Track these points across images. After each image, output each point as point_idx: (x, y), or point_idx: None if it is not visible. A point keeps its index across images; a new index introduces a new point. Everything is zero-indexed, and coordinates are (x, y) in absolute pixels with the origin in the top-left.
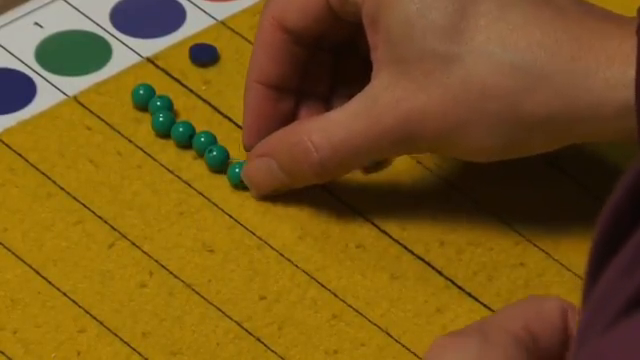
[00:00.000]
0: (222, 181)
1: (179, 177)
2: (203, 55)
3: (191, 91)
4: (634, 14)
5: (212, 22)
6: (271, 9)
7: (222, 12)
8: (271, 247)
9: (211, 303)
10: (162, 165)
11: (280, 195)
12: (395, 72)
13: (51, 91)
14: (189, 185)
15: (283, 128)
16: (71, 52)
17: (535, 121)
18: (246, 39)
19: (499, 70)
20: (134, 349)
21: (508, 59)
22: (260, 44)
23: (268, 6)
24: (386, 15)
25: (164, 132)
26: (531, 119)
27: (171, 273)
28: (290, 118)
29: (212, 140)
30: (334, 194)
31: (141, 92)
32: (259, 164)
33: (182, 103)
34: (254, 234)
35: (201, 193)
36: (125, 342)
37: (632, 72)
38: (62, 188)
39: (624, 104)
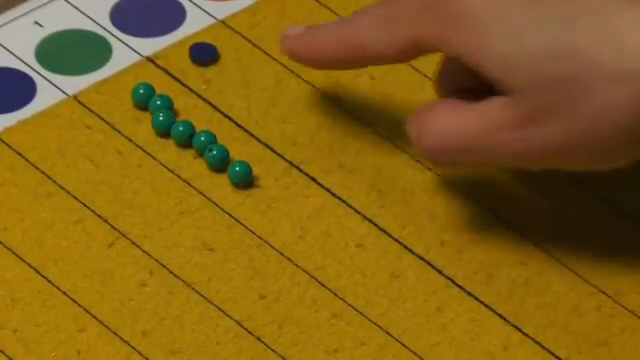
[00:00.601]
0: (222, 180)
1: (179, 176)
2: (203, 54)
3: (191, 90)
4: None
5: (212, 21)
6: (361, 38)
7: (222, 11)
8: (271, 246)
9: (211, 302)
10: (162, 164)
11: (280, 194)
12: (510, 98)
13: (51, 90)
14: (189, 184)
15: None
16: (71, 51)
17: None
18: (246, 38)
19: (614, 80)
20: (134, 348)
21: (620, 67)
22: (338, 50)
23: (355, 31)
24: (485, 57)
25: (164, 131)
26: None
27: (171, 272)
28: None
29: (212, 139)
30: (334, 193)
31: (141, 91)
32: None
33: (182, 102)
34: (254, 233)
35: (201, 192)
36: (125, 341)
37: None
38: (62, 187)
39: None
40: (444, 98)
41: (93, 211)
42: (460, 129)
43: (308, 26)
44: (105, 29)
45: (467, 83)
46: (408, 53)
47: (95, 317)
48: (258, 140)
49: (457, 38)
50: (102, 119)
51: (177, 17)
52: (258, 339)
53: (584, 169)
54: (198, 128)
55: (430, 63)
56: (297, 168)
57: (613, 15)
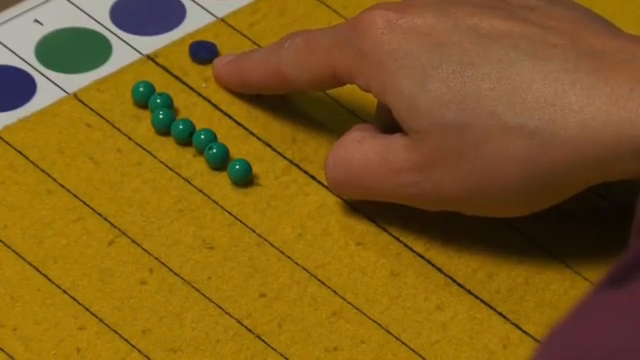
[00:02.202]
0: (222, 178)
1: (179, 174)
2: (203, 52)
3: (191, 88)
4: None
5: (212, 19)
6: (282, 59)
7: (222, 9)
8: (271, 244)
9: (211, 300)
10: (162, 162)
11: (280, 193)
12: (411, 139)
13: (51, 88)
14: (189, 182)
15: None
16: (71, 49)
17: (552, 177)
18: (246, 36)
19: (510, 132)
20: (134, 346)
21: (518, 121)
22: (259, 70)
23: (278, 57)
24: (392, 97)
25: (164, 129)
26: (548, 176)
27: (171, 270)
28: None
29: (212, 137)
30: (334, 192)
31: (141, 89)
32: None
33: (182, 100)
34: (254, 231)
35: (201, 190)
36: (125, 339)
37: None
38: (62, 185)
39: (635, 149)
40: (359, 127)
41: (93, 209)
42: (362, 165)
43: (239, 54)
44: (105, 27)
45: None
46: (325, 82)
47: (95, 315)
48: (258, 138)
49: (369, 73)
50: (102, 117)
51: (177, 15)
52: (258, 337)
53: (480, 215)
54: (198, 126)
55: None
56: (297, 166)
57: (515, 67)
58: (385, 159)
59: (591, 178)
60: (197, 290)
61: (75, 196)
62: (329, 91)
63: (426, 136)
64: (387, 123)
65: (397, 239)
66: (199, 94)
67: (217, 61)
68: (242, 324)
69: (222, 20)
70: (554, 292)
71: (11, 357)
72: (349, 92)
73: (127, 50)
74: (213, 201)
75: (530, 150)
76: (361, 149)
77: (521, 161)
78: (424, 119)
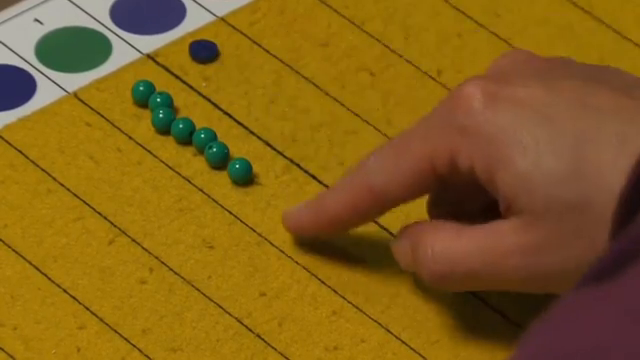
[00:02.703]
0: (222, 177)
1: (179, 173)
2: (203, 51)
3: (191, 88)
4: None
5: (212, 18)
6: (369, 174)
7: (222, 8)
8: (271, 243)
9: (211, 299)
10: (162, 161)
11: (281, 192)
12: (523, 220)
13: (51, 87)
14: (189, 181)
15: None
16: (71, 49)
17: None
18: (246, 35)
19: None
20: (134, 345)
21: None
22: (346, 199)
23: (366, 169)
24: (501, 174)
25: (164, 129)
26: None
27: (171, 269)
28: None
29: (212, 137)
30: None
31: (141, 89)
32: None
33: (182, 100)
34: (254, 230)
35: (201, 189)
36: (125, 338)
37: None
38: (62, 184)
39: None
40: (442, 221)
41: (93, 208)
42: (467, 254)
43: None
44: (105, 26)
45: (462, 207)
46: (424, 179)
47: (95, 314)
48: (258, 137)
49: (474, 149)
50: (102, 116)
51: (177, 14)
52: (258, 336)
53: None
54: (198, 125)
55: (429, 59)
56: (297, 165)
57: (631, 140)
58: (491, 246)
59: None
60: (197, 289)
61: (75, 195)
62: (328, 89)
63: (541, 216)
64: (444, 213)
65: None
66: (199, 93)
67: (289, 213)
68: (242, 323)
69: (222, 19)
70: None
71: (11, 356)
72: (349, 91)
73: (127, 49)
74: (213, 200)
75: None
76: (461, 239)
77: None
78: (539, 198)
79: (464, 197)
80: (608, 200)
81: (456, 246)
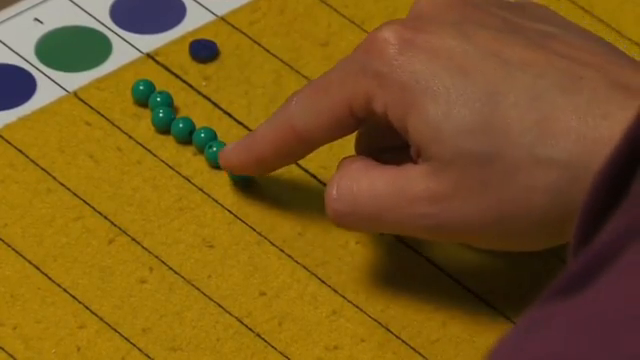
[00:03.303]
0: (222, 177)
1: (179, 173)
2: (203, 51)
3: (191, 87)
4: None
5: (212, 18)
6: (291, 114)
7: (222, 8)
8: (271, 243)
9: (211, 299)
10: (162, 161)
11: (280, 191)
12: (431, 167)
13: (51, 87)
14: (189, 181)
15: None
16: (71, 48)
17: (576, 207)
18: (246, 35)
19: (540, 164)
20: (134, 345)
21: (548, 153)
22: (270, 138)
23: (288, 109)
24: (412, 121)
25: (164, 128)
26: (573, 206)
27: (171, 269)
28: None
29: (212, 136)
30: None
31: (141, 88)
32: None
33: (182, 99)
34: (254, 230)
35: (201, 189)
36: (125, 338)
37: None
38: (62, 184)
39: None
40: (360, 157)
41: (93, 208)
42: (371, 196)
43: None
44: (105, 26)
45: (387, 143)
46: (343, 122)
47: (95, 314)
48: None
49: (388, 95)
50: (102, 116)
51: (177, 14)
52: (258, 335)
53: (493, 249)
54: (198, 125)
55: None
56: (297, 164)
57: (543, 97)
58: (398, 189)
59: None
60: (197, 288)
61: (75, 194)
62: None
63: (449, 165)
64: (370, 150)
65: (397, 237)
66: (199, 92)
67: (222, 152)
68: (242, 322)
69: (222, 19)
70: None
71: (11, 356)
72: None
73: (127, 48)
74: (213, 199)
75: (560, 183)
76: (369, 179)
77: (550, 194)
78: (448, 147)
79: (385, 138)
80: (515, 155)
81: (362, 185)
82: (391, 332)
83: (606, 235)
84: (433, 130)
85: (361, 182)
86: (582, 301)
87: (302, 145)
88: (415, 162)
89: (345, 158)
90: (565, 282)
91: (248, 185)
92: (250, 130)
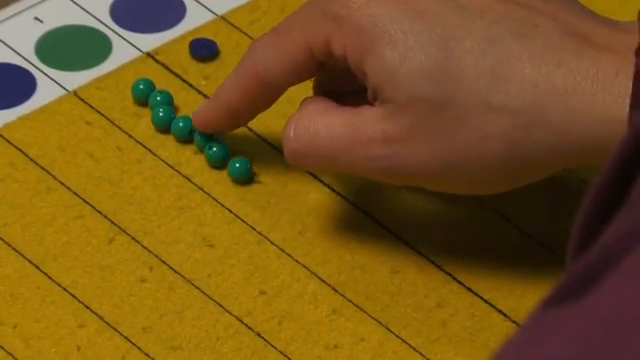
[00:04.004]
0: (222, 176)
1: (179, 172)
2: (203, 50)
3: (191, 86)
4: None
5: (212, 17)
6: (254, 60)
7: (222, 7)
8: (271, 242)
9: (211, 298)
10: (162, 160)
11: (280, 190)
12: (386, 110)
13: (51, 86)
14: (189, 180)
15: None
16: (71, 47)
17: (531, 157)
18: (246, 34)
19: (493, 111)
20: (134, 344)
21: (502, 100)
22: (236, 85)
23: (251, 55)
24: (369, 64)
25: (164, 127)
26: (527, 156)
27: (171, 268)
28: None
29: (213, 136)
30: (334, 189)
31: (141, 87)
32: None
33: (182, 98)
34: (254, 229)
35: (201, 188)
36: (125, 337)
37: (627, 105)
38: (62, 183)
39: (620, 133)
40: (320, 98)
41: (93, 207)
42: (327, 136)
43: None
44: (105, 25)
45: (346, 86)
46: (304, 65)
47: (95, 313)
48: (258, 136)
49: (346, 38)
50: (102, 115)
51: (177, 13)
52: (258, 335)
53: (445, 192)
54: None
55: None
56: None
57: (499, 44)
58: (353, 130)
59: (572, 160)
60: (197, 288)
61: (75, 194)
62: None
63: (403, 108)
64: (330, 93)
65: (397, 236)
66: (199, 92)
67: (194, 113)
68: (242, 322)
69: (222, 18)
70: None
71: (11, 355)
72: None
73: (127, 48)
74: (213, 199)
75: (512, 130)
76: (326, 120)
77: (502, 141)
78: (403, 91)
79: (344, 82)
80: (468, 101)
81: (319, 126)
82: (391, 331)
83: (607, 239)
84: (389, 73)
85: (318, 123)
86: (584, 306)
87: (267, 90)
88: (372, 105)
89: (305, 99)
90: (567, 286)
91: (248, 184)
92: (249, 129)
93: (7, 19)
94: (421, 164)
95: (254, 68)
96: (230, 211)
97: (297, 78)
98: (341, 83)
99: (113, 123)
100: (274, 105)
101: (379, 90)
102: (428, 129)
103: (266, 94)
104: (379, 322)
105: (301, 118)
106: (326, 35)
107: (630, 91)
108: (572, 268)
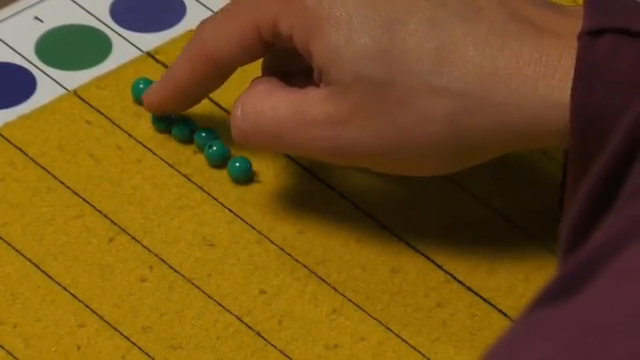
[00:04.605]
0: (222, 175)
1: (179, 171)
2: None
3: None
4: None
5: None
6: (204, 39)
7: (222, 6)
8: (271, 241)
9: (211, 297)
10: (162, 159)
11: (280, 190)
12: (330, 91)
13: (51, 85)
14: (189, 179)
15: None
16: (71, 46)
17: (474, 140)
18: None
19: (436, 92)
20: (134, 343)
21: (444, 82)
22: (186, 65)
23: (200, 35)
24: (315, 45)
25: (164, 126)
26: (470, 139)
27: (171, 267)
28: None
29: (213, 136)
30: (334, 188)
31: (141, 86)
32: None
33: None
34: (254, 228)
35: (201, 187)
36: (125, 336)
37: (569, 90)
38: (62, 182)
39: (564, 123)
40: (268, 78)
41: (93, 206)
42: (273, 117)
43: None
44: (105, 24)
45: (294, 66)
46: (253, 44)
47: (95, 312)
48: None
49: (293, 18)
50: (102, 114)
51: (177, 12)
52: (258, 334)
53: (391, 173)
54: (198, 124)
55: None
56: (297, 163)
57: (443, 26)
58: (299, 111)
59: (516, 143)
60: (197, 287)
61: (75, 193)
62: None
63: (347, 90)
64: (277, 73)
65: (397, 236)
66: None
67: (145, 94)
68: (242, 321)
69: None
70: None
71: (11, 354)
72: None
73: (127, 47)
74: (213, 198)
75: (455, 112)
76: (272, 100)
77: (445, 123)
78: (347, 72)
79: (292, 62)
80: (411, 82)
81: (265, 106)
82: (391, 331)
83: (598, 239)
84: (334, 55)
85: (265, 103)
86: (573, 306)
87: (216, 70)
88: (317, 86)
89: (254, 79)
90: (557, 286)
91: (248, 183)
92: None
93: (7, 18)
94: (364, 145)
95: (204, 48)
96: (230, 210)
97: (246, 58)
98: (290, 63)
99: (113, 122)
100: None
101: (324, 71)
102: (372, 110)
103: (215, 74)
104: (379, 321)
105: (248, 98)
106: (273, 15)
107: (572, 76)
108: (562, 268)
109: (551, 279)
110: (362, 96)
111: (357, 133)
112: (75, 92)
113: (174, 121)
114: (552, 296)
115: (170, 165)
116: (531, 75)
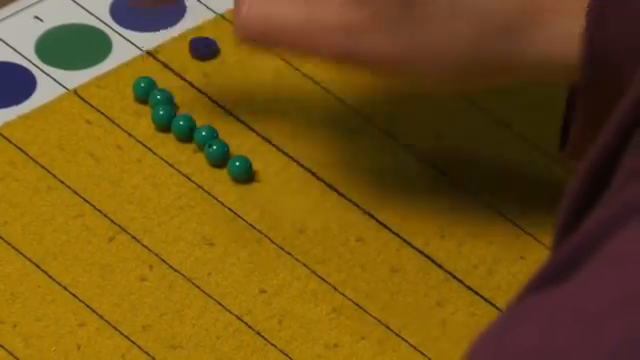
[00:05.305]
0: (222, 175)
1: (179, 171)
2: (203, 48)
3: (191, 85)
4: None
5: (212, 15)
6: None
7: (222, 5)
8: (271, 241)
9: (211, 297)
10: (162, 159)
11: (280, 189)
12: None
13: (51, 85)
14: (189, 179)
15: None
16: (71, 46)
17: (494, 63)
18: None
19: (456, 16)
20: (134, 342)
21: (466, 7)
22: None
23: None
24: None
25: (164, 126)
26: (485, 65)
27: (171, 267)
28: None
29: (213, 134)
30: (334, 188)
31: (141, 85)
32: None
33: (182, 96)
34: (254, 227)
35: (201, 187)
36: (125, 336)
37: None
38: (62, 182)
39: (578, 56)
40: None
41: (93, 205)
42: (288, 19)
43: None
44: (105, 23)
45: None
46: None
47: (95, 311)
48: (258, 134)
49: None
50: (102, 113)
51: (177, 11)
52: (258, 333)
53: (402, 81)
54: (198, 122)
55: None
56: (297, 162)
57: None
58: (312, 18)
59: (529, 73)
60: (197, 286)
61: (75, 192)
62: (329, 87)
63: None
64: None
65: (397, 235)
66: (199, 90)
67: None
68: (242, 320)
69: (222, 16)
70: None
71: (11, 354)
72: (350, 88)
73: (127, 46)
74: (213, 197)
75: (478, 37)
76: (282, 3)
77: (466, 46)
78: None
79: None
80: (436, 2)
81: (279, 8)
82: (391, 330)
83: (590, 224)
84: None
85: (275, 6)
86: (564, 292)
87: None
88: None
89: None
90: (547, 273)
91: (248, 183)
92: (250, 128)
93: (7, 18)
94: (378, 54)
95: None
96: (230, 210)
97: None
98: None
99: (113, 122)
100: (275, 104)
101: None
102: (391, 23)
103: None
104: (379, 321)
105: (255, 1)
106: None
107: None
108: (555, 253)
109: (543, 265)
110: (383, 7)
111: (372, 43)
112: (75, 91)
113: (174, 118)
114: (544, 282)
115: (170, 165)
116: (550, 8)
